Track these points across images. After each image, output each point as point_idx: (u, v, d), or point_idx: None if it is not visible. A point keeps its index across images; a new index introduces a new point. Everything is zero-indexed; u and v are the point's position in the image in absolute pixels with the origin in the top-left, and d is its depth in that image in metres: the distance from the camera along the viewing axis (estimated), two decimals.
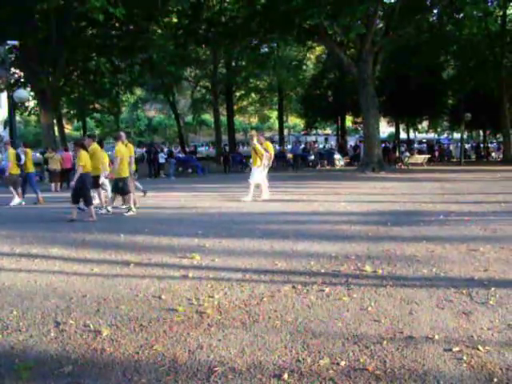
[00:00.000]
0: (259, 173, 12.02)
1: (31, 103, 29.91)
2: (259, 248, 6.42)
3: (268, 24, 22.75)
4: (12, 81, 23.12)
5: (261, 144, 12.29)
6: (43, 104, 24.82)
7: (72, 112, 39.23)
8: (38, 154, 34.01)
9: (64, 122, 37.96)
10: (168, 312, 4.07)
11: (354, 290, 4.56)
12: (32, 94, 25.30)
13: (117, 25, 25.01)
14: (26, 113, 32.55)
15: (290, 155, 28.68)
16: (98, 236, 7.60)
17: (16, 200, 12.37)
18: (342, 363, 3.10)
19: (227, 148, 31.01)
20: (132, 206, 10.23)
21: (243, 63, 36.57)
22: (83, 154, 9.56)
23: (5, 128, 70.09)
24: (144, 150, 37.55)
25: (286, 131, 53.91)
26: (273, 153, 12.98)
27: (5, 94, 32.76)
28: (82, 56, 27.07)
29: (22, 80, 26.40)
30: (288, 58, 38.57)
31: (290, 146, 39.44)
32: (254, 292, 4.56)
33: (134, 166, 11.29)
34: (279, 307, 4.13)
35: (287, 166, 27.45)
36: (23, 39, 19.18)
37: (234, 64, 36.43)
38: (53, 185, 16.82)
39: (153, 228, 8.13)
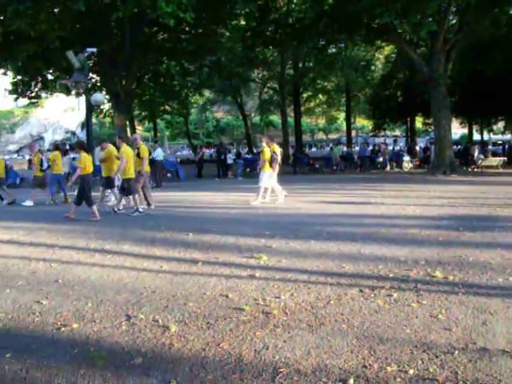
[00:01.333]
0: (268, 177, 11.97)
1: (106, 106, 31.31)
2: (326, 250, 6.36)
3: (336, 24, 22.46)
4: (89, 85, 24.32)
5: (269, 147, 12.29)
6: (117, 106, 25.92)
7: (143, 114, 40.68)
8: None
9: (136, 123, 39.54)
10: (235, 311, 4.13)
11: (424, 296, 4.41)
12: (107, 97, 26.49)
13: (186, 29, 25.66)
14: (101, 115, 34.14)
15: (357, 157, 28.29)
16: (167, 234, 7.83)
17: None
18: (411, 371, 3.00)
19: (293, 149, 31.01)
20: (139, 206, 10.41)
21: (311, 64, 36.44)
22: (83, 155, 9.93)
23: (82, 129, 74.03)
24: (212, 150, 38.19)
25: (353, 132, 53.06)
26: (279, 157, 12.80)
27: (82, 98, 34.59)
28: (153, 60, 28.02)
29: (98, 84, 27.72)
30: (356, 59, 37.93)
31: (357, 148, 38.81)
32: (321, 294, 4.52)
33: (147, 168, 11.60)
34: (346, 311, 4.08)
35: (354, 167, 27.06)
36: (100, 46, 20.13)
37: (301, 65, 36.36)
38: None
39: (220, 227, 8.28)
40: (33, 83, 28.14)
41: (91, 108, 19.45)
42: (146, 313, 4.13)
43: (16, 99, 30.74)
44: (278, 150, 12.93)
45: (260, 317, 3.98)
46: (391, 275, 5.12)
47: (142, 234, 7.83)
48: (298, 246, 6.68)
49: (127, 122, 28.99)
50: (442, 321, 3.81)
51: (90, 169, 10.10)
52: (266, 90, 43.18)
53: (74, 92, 28.21)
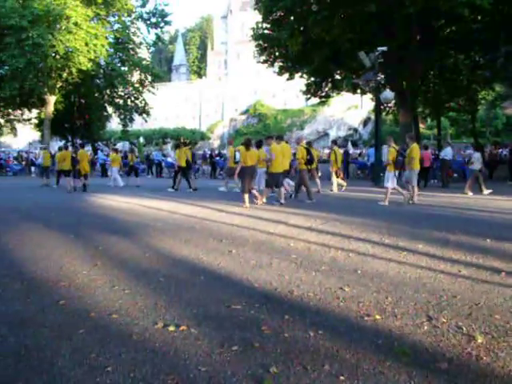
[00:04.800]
0: (392, 177, 12.24)
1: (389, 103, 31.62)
2: None
3: None
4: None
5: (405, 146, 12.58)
6: (402, 104, 25.89)
7: (426, 111, 39.60)
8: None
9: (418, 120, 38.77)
10: None
11: None
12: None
13: (478, 18, 23.83)
14: (384, 112, 34.62)
15: None
16: (461, 237, 7.44)
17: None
18: None
19: None
20: (282, 200, 12.01)
21: None
22: (254, 151, 12.14)
23: (364, 126, 76.54)
24: (500, 150, 34.27)
25: None
26: (415, 157, 12.52)
27: (365, 96, 35.70)
28: (438, 55, 26.95)
29: (382, 82, 28.14)
30: None
31: None
32: None
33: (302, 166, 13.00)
34: None
35: None
36: (386, 45, 20.41)
37: None
38: None
39: None
40: (323, 84, 30.44)
41: (380, 106, 19.85)
42: (448, 317, 4.01)
43: (308, 99, 33.70)
44: (418, 149, 13.01)
45: None
46: None
47: (435, 235, 7.63)
48: None
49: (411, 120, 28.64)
50: None
51: (250, 162, 11.80)
52: None
53: (359, 90, 29.43)
